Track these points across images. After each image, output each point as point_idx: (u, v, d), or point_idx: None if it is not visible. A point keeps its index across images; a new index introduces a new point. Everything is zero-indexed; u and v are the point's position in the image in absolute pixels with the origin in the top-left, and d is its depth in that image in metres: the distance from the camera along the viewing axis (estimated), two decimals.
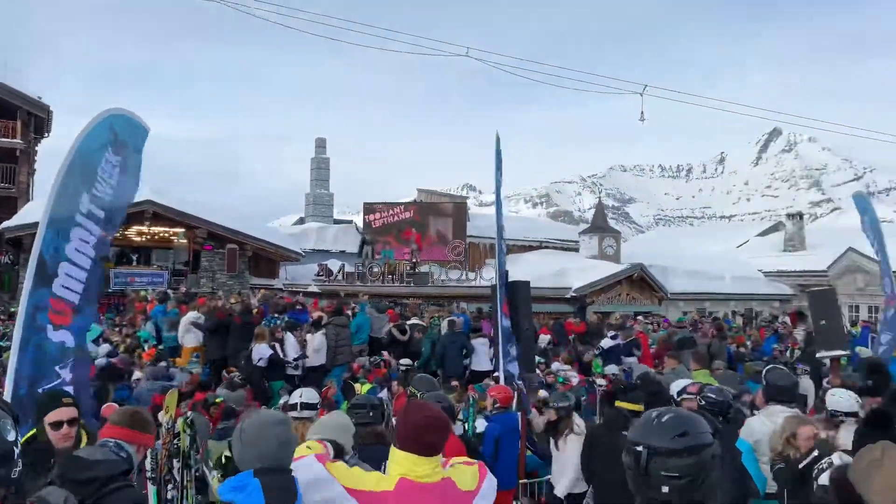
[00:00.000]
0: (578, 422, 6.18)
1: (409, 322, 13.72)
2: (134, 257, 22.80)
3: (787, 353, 14.50)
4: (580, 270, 24.54)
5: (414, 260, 23.46)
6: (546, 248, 28.64)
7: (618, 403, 5.48)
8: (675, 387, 6.17)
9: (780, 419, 4.47)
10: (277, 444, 2.55)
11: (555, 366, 10.47)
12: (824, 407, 5.03)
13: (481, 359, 11.67)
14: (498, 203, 7.67)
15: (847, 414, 4.65)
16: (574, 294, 23.43)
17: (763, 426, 4.67)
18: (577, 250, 27.84)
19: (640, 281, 25.23)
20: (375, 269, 22.12)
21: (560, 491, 6.06)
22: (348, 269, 22.30)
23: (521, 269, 20.58)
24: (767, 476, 4.53)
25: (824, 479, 3.47)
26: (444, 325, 12.99)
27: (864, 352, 11.05)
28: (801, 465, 4.14)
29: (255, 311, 12.42)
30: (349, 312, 13.76)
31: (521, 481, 6.83)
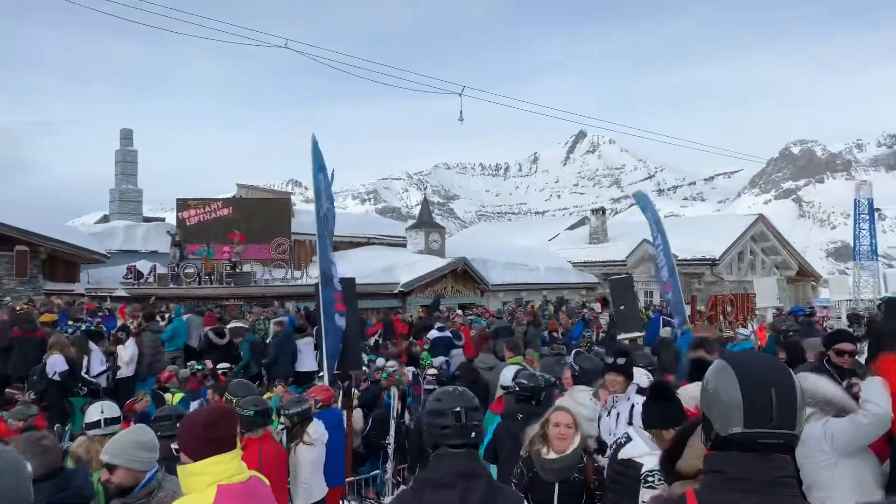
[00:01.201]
0: (313, 429, 5.71)
1: (228, 325, 13.06)
2: None
3: (594, 337, 15.85)
4: (407, 265, 24.92)
5: (235, 259, 22.37)
6: (374, 244, 28.71)
7: None
8: (507, 373, 6.52)
9: (579, 397, 4.86)
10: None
11: (380, 361, 10.53)
12: None
13: (306, 359, 11.43)
14: (320, 204, 7.54)
15: (640, 390, 5.16)
16: (402, 289, 23.75)
17: (566, 404, 5.08)
18: (404, 246, 28.23)
19: (463, 274, 26.18)
20: (190, 270, 20.77)
21: None
22: (161, 270, 20.72)
23: (350, 265, 20.46)
24: None
25: (624, 453, 3.75)
26: (272, 326, 12.55)
27: (665, 332, 12.35)
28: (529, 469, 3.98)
29: (38, 319, 11.08)
30: (158, 318, 12.84)
31: (347, 479, 6.81)
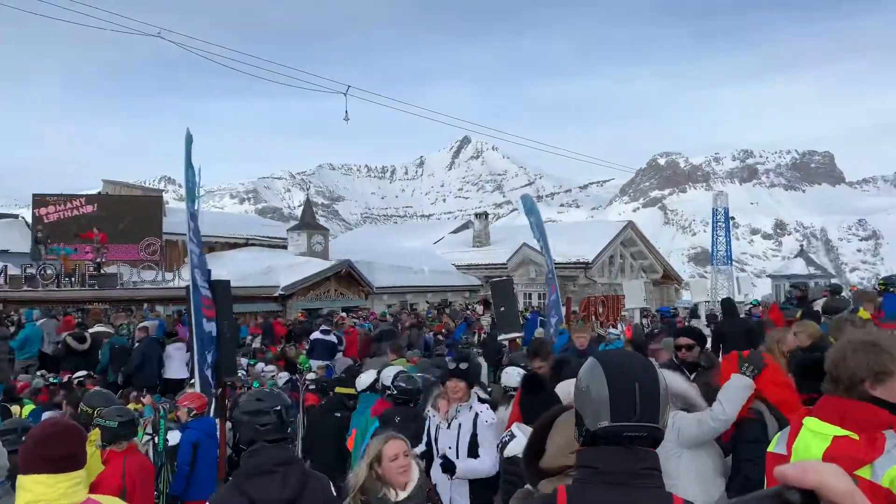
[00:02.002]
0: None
1: (91, 330, 12.14)
2: None
3: (475, 338, 16.16)
4: (288, 267, 24.30)
5: (99, 260, 20.82)
6: (253, 245, 27.78)
7: (338, 389, 7.02)
8: (365, 377, 6.56)
9: None
10: None
11: (259, 366, 10.18)
12: (500, 384, 5.66)
13: (177, 366, 10.82)
14: (189, 204, 7.20)
15: (515, 388, 5.27)
16: (282, 292, 23.11)
17: None
18: (285, 247, 27.52)
19: (347, 276, 25.88)
20: (49, 272, 19.14)
21: None
22: (13, 271, 18.94)
23: (227, 267, 19.66)
24: None
25: (510, 450, 3.78)
26: (137, 332, 11.78)
27: (539, 332, 12.73)
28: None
29: None
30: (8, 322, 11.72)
31: None
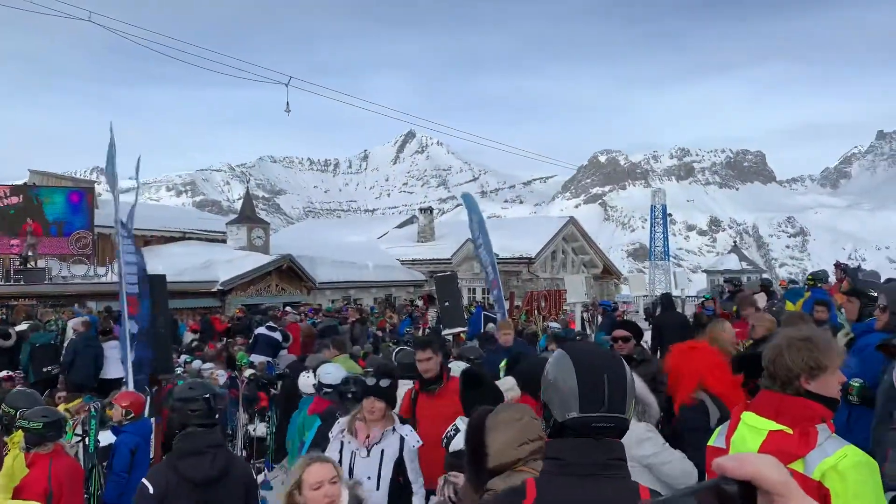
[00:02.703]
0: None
1: (17, 327, 11.55)
2: None
3: (420, 333, 16.15)
4: (228, 262, 23.73)
5: (27, 253, 19.86)
6: (190, 239, 27.01)
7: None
8: (326, 370, 6.43)
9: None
10: None
11: (196, 363, 9.90)
12: None
13: (112, 365, 10.40)
14: (115, 196, 6.98)
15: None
16: (221, 287, 22.56)
17: None
18: (224, 241, 26.88)
19: (289, 271, 25.46)
20: None
21: None
22: None
23: (163, 262, 19.06)
24: None
25: (455, 446, 3.76)
26: (72, 327, 11.27)
27: (491, 328, 12.84)
28: None
29: None
30: None
31: None
